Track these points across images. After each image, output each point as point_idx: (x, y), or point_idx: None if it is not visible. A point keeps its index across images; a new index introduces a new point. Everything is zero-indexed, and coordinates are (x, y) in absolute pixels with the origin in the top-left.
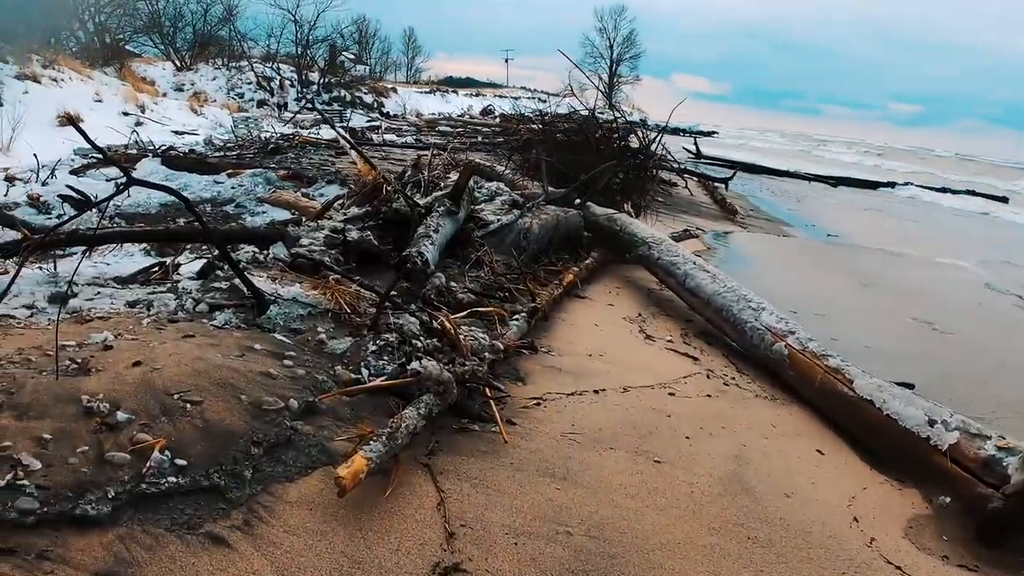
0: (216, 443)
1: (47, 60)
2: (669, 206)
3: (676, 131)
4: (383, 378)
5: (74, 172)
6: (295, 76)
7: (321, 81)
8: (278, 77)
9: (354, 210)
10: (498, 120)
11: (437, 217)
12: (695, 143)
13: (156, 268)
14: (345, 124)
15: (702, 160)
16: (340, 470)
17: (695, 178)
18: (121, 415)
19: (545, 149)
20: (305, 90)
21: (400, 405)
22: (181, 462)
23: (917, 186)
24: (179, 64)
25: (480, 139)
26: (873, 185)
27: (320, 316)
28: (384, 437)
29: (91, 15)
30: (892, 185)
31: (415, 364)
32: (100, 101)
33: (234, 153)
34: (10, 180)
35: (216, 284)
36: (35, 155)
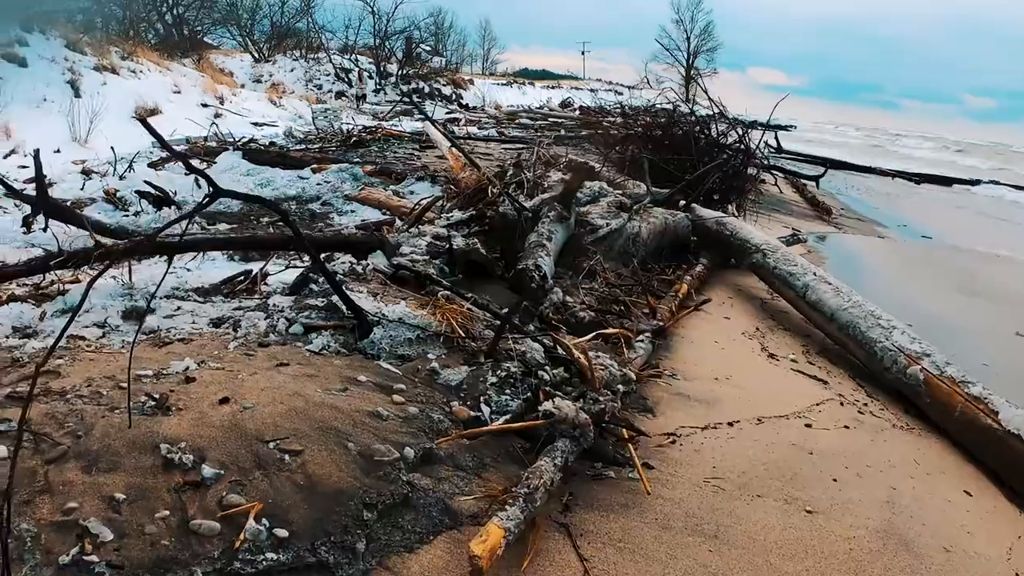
0: (322, 506)
1: (126, 52)
2: (760, 204)
3: (753, 124)
4: (506, 417)
5: (152, 165)
6: (373, 68)
7: (399, 73)
8: (356, 69)
9: (456, 214)
10: (578, 112)
11: (548, 223)
12: (775, 137)
13: (242, 278)
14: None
15: (783, 155)
16: (474, 546)
17: (784, 175)
18: (208, 469)
19: (640, 145)
20: (383, 82)
21: (526, 448)
22: (281, 532)
23: (1003, 184)
24: (257, 56)
25: (563, 132)
26: (952, 182)
27: (430, 340)
28: (521, 500)
29: (169, 7)
30: (976, 183)
31: (547, 404)
32: (179, 92)
33: (316, 146)
34: (87, 173)
35: (311, 301)
36: (112, 148)
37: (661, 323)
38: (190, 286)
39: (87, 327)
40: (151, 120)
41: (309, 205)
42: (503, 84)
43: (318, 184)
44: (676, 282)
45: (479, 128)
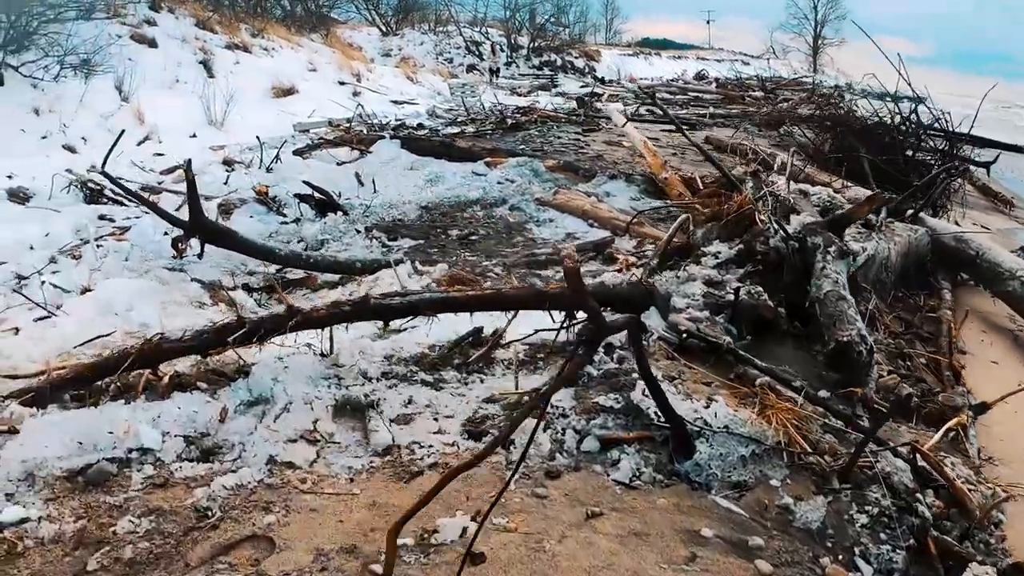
0: None
1: (256, 29)
2: None
3: (882, 96)
4: None
5: (298, 153)
6: (504, 40)
7: (531, 45)
8: (488, 42)
9: (721, 248)
10: (714, 86)
11: (832, 263)
12: (915, 112)
13: (471, 340)
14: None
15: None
16: None
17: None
18: None
19: (837, 137)
20: (514, 54)
21: None
22: None
23: None
24: (384, 29)
25: (712, 109)
26: None
27: (766, 457)
28: None
29: None
30: None
31: None
32: (314, 70)
33: (471, 129)
34: (228, 164)
35: (599, 397)
36: (258, 138)
37: (976, 400)
38: (407, 352)
39: (292, 441)
40: (288, 100)
41: (496, 210)
42: (629, 54)
43: (499, 183)
44: (937, 317)
45: (624, 104)
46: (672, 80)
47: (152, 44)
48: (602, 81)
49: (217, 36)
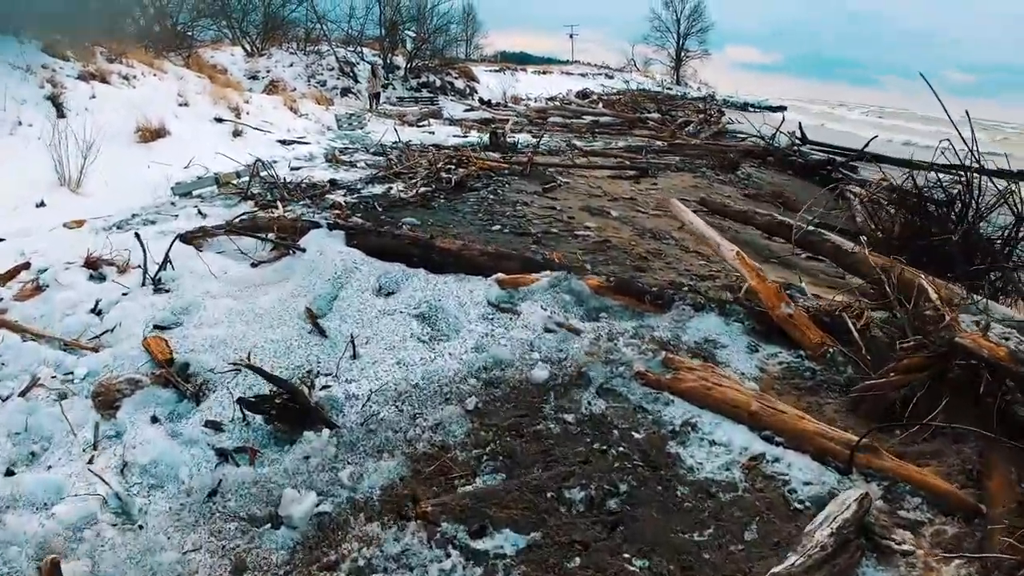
0: None
1: (113, 53)
2: None
3: (745, 107)
4: None
5: (188, 240)
6: (378, 60)
7: (408, 66)
8: (363, 62)
9: None
10: (601, 106)
11: None
12: (800, 127)
13: None
14: (445, 113)
15: (813, 147)
16: None
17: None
18: None
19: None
20: (390, 76)
21: None
22: None
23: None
24: (249, 49)
25: (631, 141)
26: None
27: None
28: None
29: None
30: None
31: None
32: (185, 104)
33: (400, 187)
34: (94, 268)
35: None
36: (137, 236)
37: None
38: None
39: None
40: (158, 145)
41: (583, 400)
42: (494, 70)
43: (549, 332)
44: None
45: (532, 136)
46: (550, 98)
47: None
48: (489, 104)
49: (69, 64)
